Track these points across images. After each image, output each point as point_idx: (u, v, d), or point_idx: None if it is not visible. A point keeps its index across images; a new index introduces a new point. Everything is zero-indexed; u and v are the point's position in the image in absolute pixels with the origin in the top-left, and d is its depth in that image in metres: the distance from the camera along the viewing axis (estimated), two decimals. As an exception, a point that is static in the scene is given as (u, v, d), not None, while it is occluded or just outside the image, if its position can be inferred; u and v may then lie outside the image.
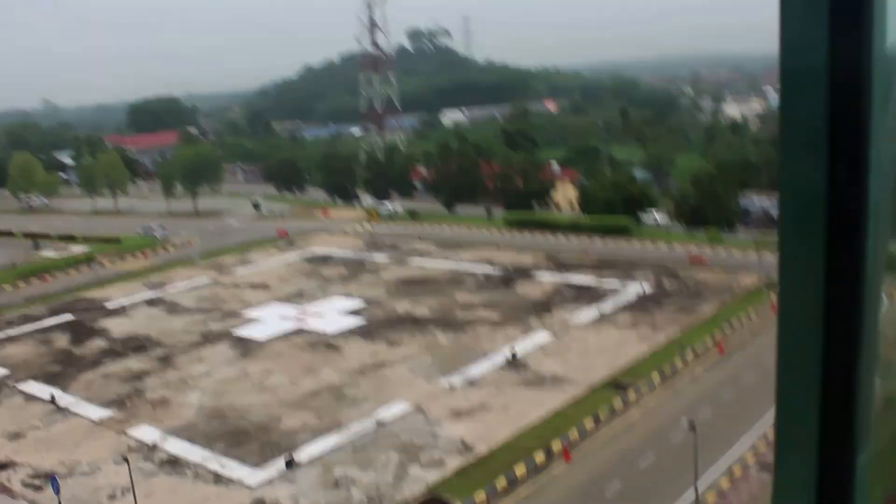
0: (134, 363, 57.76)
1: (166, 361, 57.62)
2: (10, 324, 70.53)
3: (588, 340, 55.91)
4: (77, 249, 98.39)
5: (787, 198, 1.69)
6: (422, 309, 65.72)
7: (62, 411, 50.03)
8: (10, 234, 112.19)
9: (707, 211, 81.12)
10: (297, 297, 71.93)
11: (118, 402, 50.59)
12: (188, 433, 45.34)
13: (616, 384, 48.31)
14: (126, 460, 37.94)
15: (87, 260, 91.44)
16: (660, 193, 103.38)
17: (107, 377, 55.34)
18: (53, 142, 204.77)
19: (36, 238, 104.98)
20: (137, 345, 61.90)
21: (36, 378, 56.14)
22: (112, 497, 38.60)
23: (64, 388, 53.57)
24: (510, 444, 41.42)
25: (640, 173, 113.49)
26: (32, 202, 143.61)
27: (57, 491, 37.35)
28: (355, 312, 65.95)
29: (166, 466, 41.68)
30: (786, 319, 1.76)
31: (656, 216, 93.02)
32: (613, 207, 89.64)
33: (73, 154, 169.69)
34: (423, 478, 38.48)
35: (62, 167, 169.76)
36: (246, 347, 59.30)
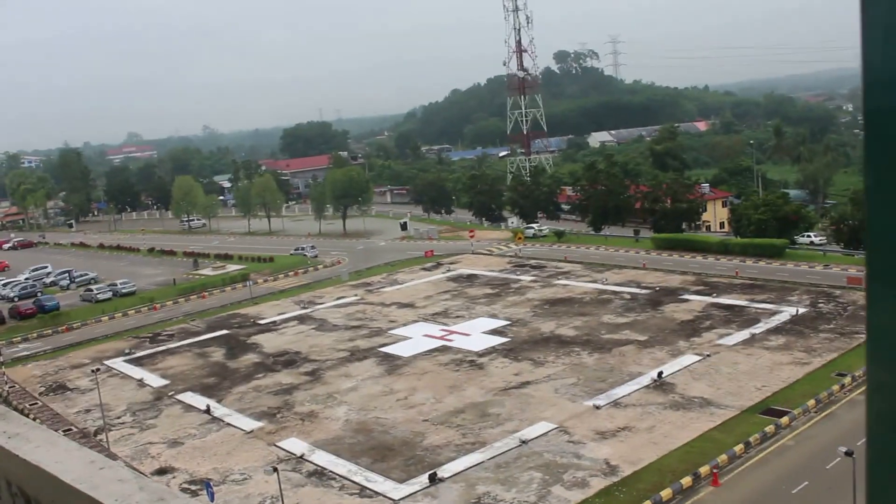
0: (284, 377, 59.48)
1: (315, 376, 59.06)
2: (171, 337, 73.97)
3: (738, 363, 54.10)
4: (233, 268, 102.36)
5: (877, 214, 1.59)
6: (567, 329, 65.17)
7: (217, 421, 51.93)
8: (172, 252, 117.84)
9: (867, 231, 77.40)
10: (442, 316, 72.56)
11: (269, 415, 52.12)
12: (334, 446, 46.23)
13: (768, 408, 46.56)
14: (276, 470, 39.03)
15: (242, 278, 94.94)
16: (816, 213, 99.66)
17: (258, 390, 57.17)
18: (212, 166, 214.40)
19: (195, 257, 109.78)
20: (288, 360, 63.76)
21: (193, 389, 58.56)
22: (262, 505, 39.70)
23: (219, 400, 55.65)
24: (656, 467, 40.44)
25: (794, 193, 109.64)
26: (193, 223, 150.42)
27: (211, 497, 38.74)
28: (500, 332, 65.96)
29: (313, 478, 42.58)
30: (876, 338, 1.63)
31: (812, 237, 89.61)
32: (766, 228, 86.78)
33: (230, 177, 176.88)
34: (566, 498, 37.99)
35: (220, 190, 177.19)
36: (392, 364, 60.14)
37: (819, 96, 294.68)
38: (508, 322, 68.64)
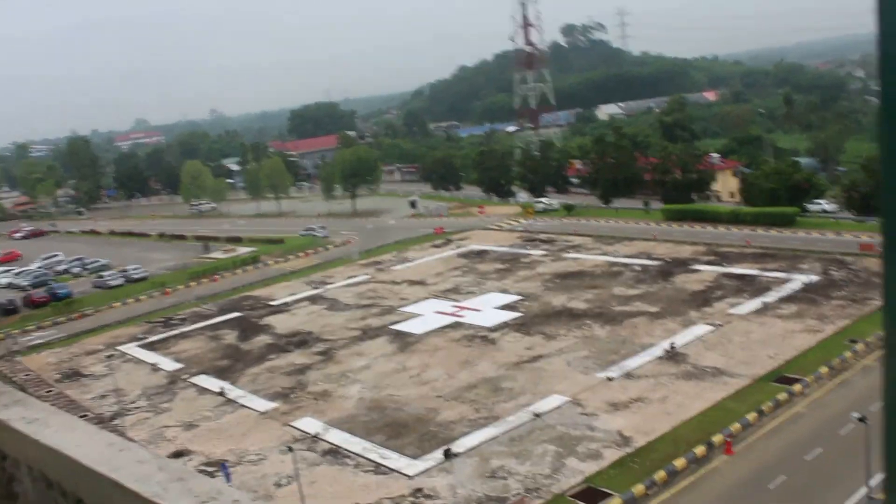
0: (296, 358, 59.66)
1: (327, 355, 59.20)
2: (184, 321, 74.24)
3: (751, 332, 53.98)
4: (243, 250, 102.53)
5: (891, 186, 1.54)
6: (578, 302, 65.09)
7: (231, 403, 52.16)
8: (182, 237, 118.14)
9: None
10: (453, 293, 72.57)
11: (282, 395, 52.32)
12: (349, 424, 46.39)
13: (781, 377, 46.47)
14: (291, 450, 39.28)
15: (253, 260, 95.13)
16: (827, 181, 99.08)
17: (271, 371, 57.37)
18: (221, 149, 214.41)
19: (206, 240, 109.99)
20: (300, 340, 63.93)
21: (207, 372, 58.81)
22: (278, 484, 39.91)
23: (232, 382, 55.90)
24: (669, 437, 40.46)
25: (805, 161, 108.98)
26: (202, 207, 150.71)
27: (228, 478, 38.98)
28: (511, 307, 65.93)
29: (328, 456, 42.76)
30: (893, 303, 1.59)
31: (823, 204, 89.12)
32: (777, 197, 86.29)
33: (238, 160, 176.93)
34: (580, 469, 38.06)
35: (229, 173, 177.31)
36: (404, 342, 60.22)
37: (829, 63, 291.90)
38: (520, 297, 68.59)
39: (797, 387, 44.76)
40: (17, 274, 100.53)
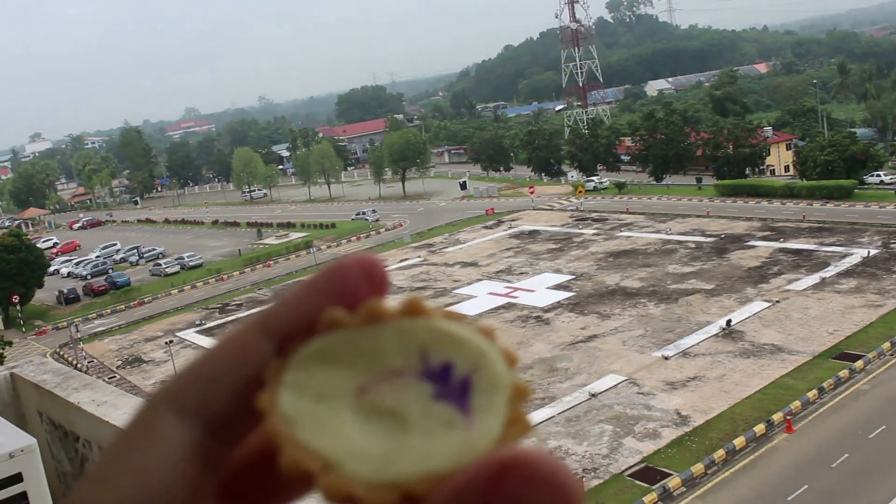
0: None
1: (382, 339, 59.45)
2: (239, 307, 75.20)
3: (809, 308, 53.28)
4: (296, 236, 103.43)
5: None
6: (632, 281, 64.74)
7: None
8: (235, 224, 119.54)
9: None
10: (506, 273, 72.57)
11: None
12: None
13: (841, 353, 45.83)
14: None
15: (306, 245, 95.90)
16: (886, 152, 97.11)
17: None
18: (270, 136, 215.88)
19: (258, 227, 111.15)
20: (355, 324, 64.30)
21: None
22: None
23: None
24: (727, 415, 40.20)
25: (862, 132, 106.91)
26: (254, 194, 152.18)
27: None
28: (565, 286, 65.77)
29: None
30: None
31: (882, 176, 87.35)
32: (833, 169, 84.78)
33: (288, 146, 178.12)
34: (638, 449, 38.00)
35: (279, 159, 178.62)
36: (458, 324, 60.23)
37: (885, 30, 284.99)
38: (573, 276, 68.40)
39: (858, 363, 44.12)
40: (77, 263, 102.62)
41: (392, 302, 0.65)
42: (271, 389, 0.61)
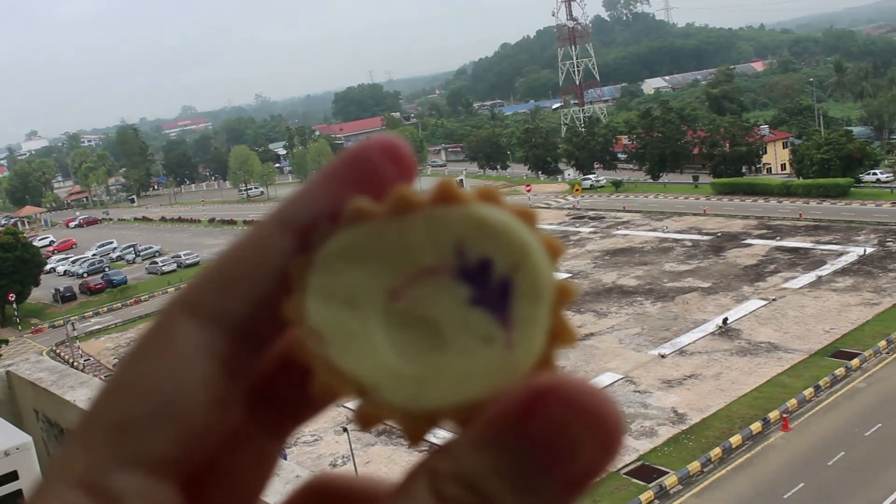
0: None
1: (379, 337, 59.49)
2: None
3: (805, 306, 53.34)
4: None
5: None
6: (629, 279, 64.78)
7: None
8: (232, 222, 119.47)
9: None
10: (502, 272, 72.42)
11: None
12: (402, 405, 46.65)
13: (837, 351, 45.88)
14: (346, 430, 39.73)
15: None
16: (882, 150, 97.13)
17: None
18: (267, 134, 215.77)
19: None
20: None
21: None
22: (333, 465, 40.42)
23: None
24: (724, 413, 40.26)
25: (858, 130, 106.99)
26: (251, 192, 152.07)
27: (284, 458, 39.46)
28: (561, 285, 65.61)
29: (383, 436, 43.11)
30: None
31: (878, 174, 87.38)
32: (829, 168, 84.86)
33: (285, 144, 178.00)
34: (634, 447, 37.98)
35: (276, 157, 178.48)
36: (454, 322, 60.27)
37: (881, 28, 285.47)
38: (569, 274, 68.36)
39: (854, 361, 44.21)
40: (74, 262, 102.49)
41: (422, 188, 0.60)
42: (297, 294, 0.57)
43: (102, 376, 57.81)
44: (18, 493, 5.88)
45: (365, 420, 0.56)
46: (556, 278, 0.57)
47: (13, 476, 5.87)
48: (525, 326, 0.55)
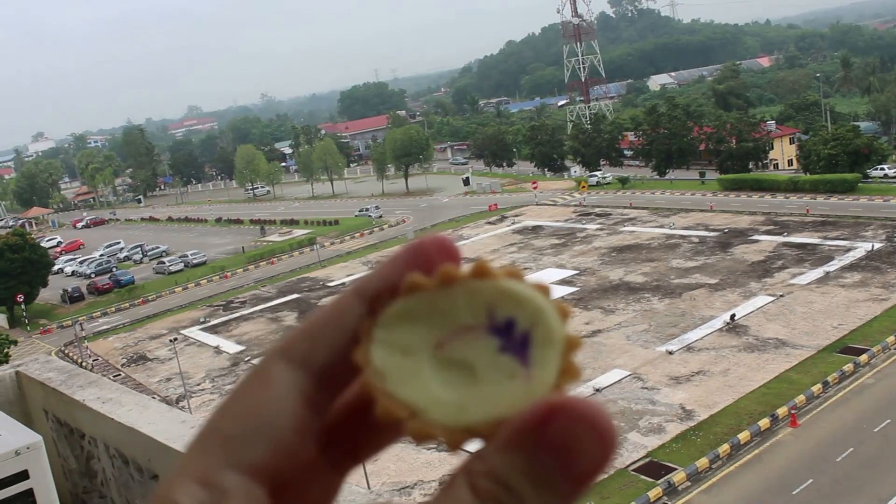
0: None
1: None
2: (244, 304, 75.32)
3: (813, 302, 53.22)
4: (299, 233, 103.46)
5: None
6: (636, 276, 64.70)
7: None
8: (239, 221, 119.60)
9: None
10: (509, 269, 72.36)
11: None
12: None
13: (845, 347, 45.78)
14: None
15: (309, 242, 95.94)
16: (890, 145, 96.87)
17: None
18: (273, 133, 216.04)
19: (262, 224, 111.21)
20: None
21: (268, 354, 59.54)
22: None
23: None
24: (732, 410, 40.20)
25: (865, 125, 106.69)
26: (257, 191, 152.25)
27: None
28: (568, 281, 65.72)
29: (391, 435, 43.13)
30: None
31: (886, 169, 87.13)
32: (837, 163, 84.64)
33: (291, 143, 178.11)
34: (643, 444, 38.00)
35: (282, 157, 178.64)
36: (461, 320, 60.25)
37: (888, 22, 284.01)
38: (576, 271, 68.39)
39: (863, 357, 44.09)
40: (81, 262, 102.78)
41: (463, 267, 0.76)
42: (365, 345, 0.74)
43: (111, 376, 58.00)
44: (29, 492, 5.90)
45: (416, 435, 0.71)
46: (566, 332, 0.73)
47: (24, 475, 5.90)
48: (541, 365, 0.71)
